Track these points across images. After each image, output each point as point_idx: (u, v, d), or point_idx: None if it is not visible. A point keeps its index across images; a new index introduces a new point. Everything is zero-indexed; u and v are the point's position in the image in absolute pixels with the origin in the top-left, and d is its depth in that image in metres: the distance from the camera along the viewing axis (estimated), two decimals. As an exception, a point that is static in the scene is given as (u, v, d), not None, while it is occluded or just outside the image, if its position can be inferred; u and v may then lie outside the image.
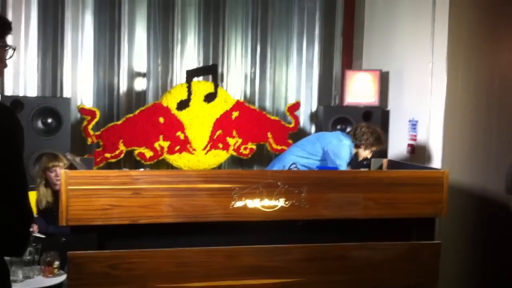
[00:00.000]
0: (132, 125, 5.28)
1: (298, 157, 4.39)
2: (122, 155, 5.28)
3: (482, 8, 4.37)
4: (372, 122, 5.21)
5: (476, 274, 4.32)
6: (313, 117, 6.13)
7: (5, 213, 1.62)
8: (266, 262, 3.35)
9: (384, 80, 5.51)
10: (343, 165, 4.27)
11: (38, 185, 4.06)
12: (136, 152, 5.31)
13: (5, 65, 1.81)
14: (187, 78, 5.41)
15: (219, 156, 5.55)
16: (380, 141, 4.41)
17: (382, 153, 5.05)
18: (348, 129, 5.22)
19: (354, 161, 4.57)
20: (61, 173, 3.79)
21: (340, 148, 4.34)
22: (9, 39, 1.87)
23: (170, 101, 5.36)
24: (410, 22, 5.22)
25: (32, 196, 3.79)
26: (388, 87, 5.51)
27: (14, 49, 1.84)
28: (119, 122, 5.30)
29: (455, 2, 4.59)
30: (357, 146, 4.40)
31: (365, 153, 4.42)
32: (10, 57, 1.82)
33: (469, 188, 4.31)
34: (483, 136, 4.28)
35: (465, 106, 4.49)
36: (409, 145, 5.06)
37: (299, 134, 5.71)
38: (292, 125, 5.76)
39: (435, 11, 4.77)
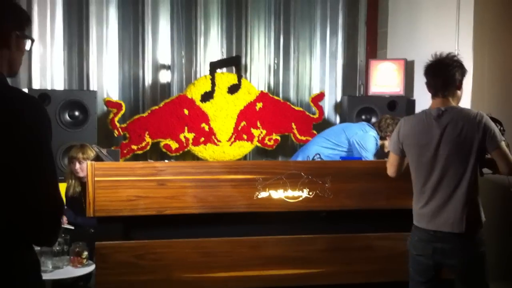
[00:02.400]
0: (158, 117, 5.33)
1: (323, 148, 4.37)
2: (148, 147, 5.34)
3: (508, -6, 4.30)
4: (397, 111, 5.16)
5: (498, 263, 4.28)
6: (338, 107, 6.10)
7: (38, 202, 1.66)
8: (290, 252, 3.38)
9: (409, 69, 5.45)
10: (369, 157, 4.23)
11: (66, 175, 4.14)
12: (162, 143, 5.36)
13: (23, 53, 1.85)
14: (210, 70, 5.43)
15: (244, 147, 5.58)
16: None
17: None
18: (373, 120, 5.18)
19: (381, 153, 4.53)
20: (81, 166, 3.87)
21: (366, 140, 4.30)
22: (35, 29, 1.91)
23: (194, 93, 5.40)
24: (434, 10, 5.15)
25: (61, 188, 3.86)
26: (413, 76, 5.45)
27: (33, 41, 1.87)
28: (144, 114, 5.36)
29: (481, -11, 4.52)
30: (382, 138, 4.35)
31: None
32: (30, 48, 1.85)
33: (495, 177, 4.26)
34: (510, 125, 4.21)
35: (492, 95, 4.43)
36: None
37: (323, 124, 5.69)
38: (316, 116, 5.75)
39: (460, -1, 4.70)
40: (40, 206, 1.66)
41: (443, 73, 2.82)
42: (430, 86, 2.89)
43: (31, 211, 1.66)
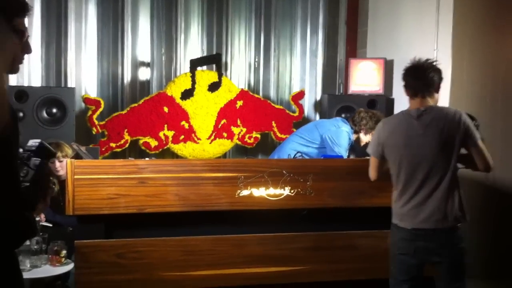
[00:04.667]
0: (137, 114, 5.28)
1: (298, 144, 4.36)
2: (127, 145, 5.29)
3: (487, -5, 4.35)
4: (377, 110, 5.19)
5: (477, 260, 4.33)
6: (318, 105, 6.12)
7: (8, 203, 1.63)
8: (272, 250, 3.37)
9: (388, 68, 5.49)
10: (342, 152, 4.23)
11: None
12: (141, 141, 5.32)
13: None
14: (191, 67, 5.40)
15: (224, 145, 5.56)
16: None
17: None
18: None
19: (358, 148, 4.55)
20: (61, 164, 3.81)
21: (339, 135, 4.29)
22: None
23: (174, 90, 5.36)
24: (414, 10, 5.19)
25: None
26: (392, 75, 5.49)
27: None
28: (123, 112, 5.31)
29: (460, -11, 4.56)
30: (357, 132, 4.35)
31: (366, 138, 4.35)
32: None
33: (473, 176, 4.31)
34: (488, 124, 4.26)
35: (470, 95, 4.47)
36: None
37: (303, 123, 5.68)
38: (296, 114, 5.76)
39: (440, -1, 4.74)
40: (11, 207, 1.63)
41: (424, 75, 2.90)
42: (410, 87, 2.95)
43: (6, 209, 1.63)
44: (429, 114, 2.85)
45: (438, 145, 2.81)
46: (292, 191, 3.33)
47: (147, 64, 5.70)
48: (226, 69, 5.87)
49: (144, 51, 5.68)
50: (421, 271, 2.90)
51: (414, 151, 2.85)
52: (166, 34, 5.72)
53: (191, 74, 5.38)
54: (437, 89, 2.94)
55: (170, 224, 3.26)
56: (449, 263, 2.85)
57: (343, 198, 3.40)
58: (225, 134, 5.52)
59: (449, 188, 2.83)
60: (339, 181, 3.40)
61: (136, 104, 5.33)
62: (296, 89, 6.00)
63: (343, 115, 5.38)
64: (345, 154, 4.28)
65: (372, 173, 3.11)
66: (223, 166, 3.35)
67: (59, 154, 3.97)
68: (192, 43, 5.80)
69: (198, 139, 5.44)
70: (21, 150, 1.82)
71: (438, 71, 2.94)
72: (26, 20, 1.78)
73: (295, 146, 4.35)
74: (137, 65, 5.68)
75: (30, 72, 5.32)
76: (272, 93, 6.04)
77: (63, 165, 3.87)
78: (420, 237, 2.83)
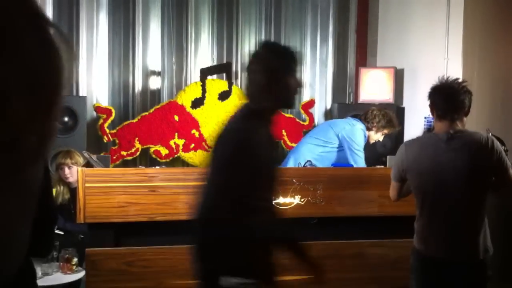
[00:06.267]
0: (147, 123, 5.31)
1: (314, 146, 4.32)
2: (137, 153, 5.32)
3: (497, 4, 4.34)
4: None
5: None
6: (328, 114, 6.12)
7: (39, 213, 1.65)
8: (281, 259, 3.36)
9: (399, 77, 5.48)
10: (360, 150, 4.21)
11: (54, 182, 4.10)
12: (151, 150, 5.34)
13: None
14: (201, 76, 5.43)
15: (234, 154, 5.56)
16: (392, 123, 4.30)
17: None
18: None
19: (373, 154, 4.48)
20: (70, 170, 3.83)
21: (355, 133, 4.27)
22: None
23: (185, 99, 5.39)
24: (424, 19, 5.19)
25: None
26: (403, 84, 5.48)
27: None
28: (134, 120, 5.34)
29: (470, -2, 4.56)
30: (368, 129, 4.31)
31: (376, 136, 4.32)
32: None
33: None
34: (500, 133, 4.25)
35: (482, 104, 4.46)
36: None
37: (313, 131, 5.71)
38: (306, 123, 5.76)
39: (450, 7, 4.74)
40: (38, 217, 1.64)
41: (455, 98, 2.74)
42: (438, 108, 2.77)
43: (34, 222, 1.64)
44: (459, 139, 2.67)
45: (468, 172, 2.63)
46: (302, 199, 3.33)
47: (158, 73, 5.73)
48: (236, 78, 5.89)
49: (154, 60, 5.72)
50: None
51: (441, 177, 2.67)
52: (177, 43, 5.75)
53: (201, 83, 5.40)
54: (467, 113, 2.77)
55: (180, 232, 3.26)
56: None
57: (352, 207, 3.40)
58: (235, 143, 5.52)
59: (478, 219, 2.69)
60: (348, 189, 3.40)
61: (146, 113, 5.36)
62: (306, 98, 6.00)
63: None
64: (363, 153, 4.24)
65: (392, 195, 2.97)
66: (233, 174, 3.35)
67: (68, 161, 4.00)
68: (203, 52, 5.83)
69: (209, 147, 5.45)
70: None
71: (469, 94, 2.76)
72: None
73: (311, 148, 4.31)
74: (148, 74, 5.71)
75: (42, 81, 5.36)
76: (282, 102, 6.03)
77: (73, 172, 3.90)
78: (446, 265, 2.70)
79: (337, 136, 4.30)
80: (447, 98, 2.74)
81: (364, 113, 4.41)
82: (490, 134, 2.81)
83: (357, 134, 4.26)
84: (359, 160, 4.10)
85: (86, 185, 3.09)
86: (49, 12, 5.36)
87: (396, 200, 2.97)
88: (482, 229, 2.69)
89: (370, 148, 4.55)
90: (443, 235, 2.71)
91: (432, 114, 2.82)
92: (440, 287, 2.76)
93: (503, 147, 2.82)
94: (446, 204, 2.69)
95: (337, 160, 4.23)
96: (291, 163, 4.36)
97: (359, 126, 4.30)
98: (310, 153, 4.25)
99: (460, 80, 2.80)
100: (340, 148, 4.30)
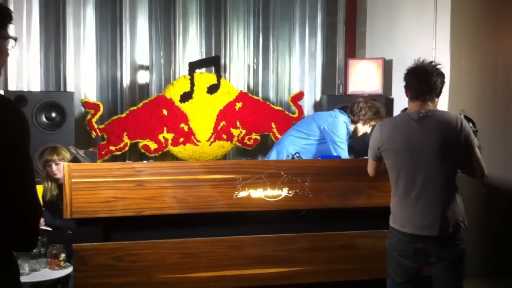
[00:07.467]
0: (136, 117, 5.29)
1: (297, 138, 4.30)
2: (126, 148, 5.30)
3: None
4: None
5: (477, 260, 4.32)
6: (317, 106, 6.11)
7: (17, 208, 1.62)
8: (271, 251, 3.36)
9: (387, 68, 5.48)
10: (342, 142, 4.18)
11: (42, 178, 4.08)
12: (140, 144, 5.32)
13: (7, 54, 1.80)
14: (189, 70, 5.41)
15: (224, 147, 5.56)
16: (379, 114, 4.24)
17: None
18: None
19: (358, 146, 4.47)
20: (57, 167, 3.82)
21: (336, 125, 4.22)
22: (11, 30, 1.84)
23: (173, 93, 5.37)
24: (413, 10, 5.19)
25: (39, 190, 3.80)
26: (391, 75, 5.49)
27: (16, 40, 1.82)
28: (123, 115, 5.32)
29: (458, -12, 4.56)
30: (354, 122, 4.27)
31: (364, 128, 4.28)
32: (12, 47, 1.81)
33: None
34: (488, 123, 4.26)
35: (470, 93, 4.47)
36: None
37: (303, 124, 5.69)
38: (296, 115, 5.76)
39: (438, -2, 4.74)
40: (22, 211, 1.63)
41: (427, 79, 2.84)
42: (412, 89, 2.88)
43: (13, 217, 1.62)
44: (430, 118, 2.80)
45: (439, 150, 2.76)
46: (290, 192, 3.32)
47: (146, 68, 5.71)
48: (225, 71, 5.88)
49: (143, 55, 5.69)
50: (419, 273, 2.87)
51: (414, 155, 2.80)
52: (165, 37, 5.72)
53: (190, 77, 5.39)
54: (438, 94, 2.89)
55: (168, 226, 3.25)
56: (449, 263, 2.82)
57: (341, 199, 3.39)
58: (224, 136, 5.52)
59: (450, 195, 2.79)
60: (337, 181, 3.39)
61: (135, 107, 5.34)
62: (295, 90, 6.00)
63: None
64: (345, 145, 4.22)
65: (370, 171, 3.15)
66: (221, 168, 3.35)
67: (55, 157, 3.98)
68: (191, 45, 5.80)
69: (198, 141, 5.44)
70: None
71: (442, 75, 2.88)
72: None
73: (294, 140, 4.30)
74: (136, 68, 5.68)
75: (29, 77, 5.34)
76: (272, 95, 6.04)
77: (60, 168, 3.88)
78: (419, 239, 2.80)
79: (319, 128, 4.27)
80: (420, 79, 2.86)
81: (351, 105, 4.35)
82: (462, 114, 2.91)
83: (339, 126, 4.22)
84: (341, 152, 4.09)
85: (72, 180, 3.06)
86: (35, 8, 5.32)
87: (373, 175, 3.15)
88: (451, 204, 2.80)
89: (359, 140, 4.53)
90: (415, 211, 2.81)
91: (407, 95, 2.93)
92: (414, 262, 2.84)
93: (472, 127, 2.93)
94: (418, 180, 2.80)
95: (320, 152, 4.21)
96: (273, 155, 4.35)
97: (341, 118, 4.26)
98: (293, 145, 4.24)
99: (434, 63, 2.90)
100: (322, 140, 4.27)
